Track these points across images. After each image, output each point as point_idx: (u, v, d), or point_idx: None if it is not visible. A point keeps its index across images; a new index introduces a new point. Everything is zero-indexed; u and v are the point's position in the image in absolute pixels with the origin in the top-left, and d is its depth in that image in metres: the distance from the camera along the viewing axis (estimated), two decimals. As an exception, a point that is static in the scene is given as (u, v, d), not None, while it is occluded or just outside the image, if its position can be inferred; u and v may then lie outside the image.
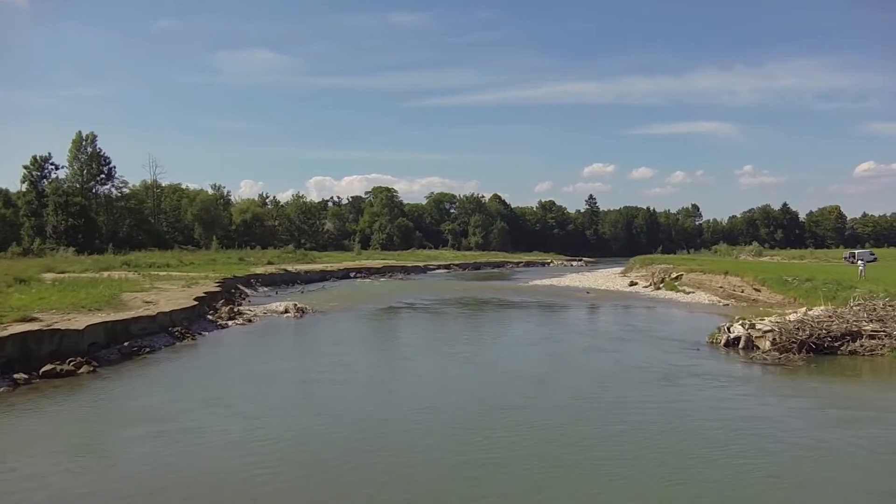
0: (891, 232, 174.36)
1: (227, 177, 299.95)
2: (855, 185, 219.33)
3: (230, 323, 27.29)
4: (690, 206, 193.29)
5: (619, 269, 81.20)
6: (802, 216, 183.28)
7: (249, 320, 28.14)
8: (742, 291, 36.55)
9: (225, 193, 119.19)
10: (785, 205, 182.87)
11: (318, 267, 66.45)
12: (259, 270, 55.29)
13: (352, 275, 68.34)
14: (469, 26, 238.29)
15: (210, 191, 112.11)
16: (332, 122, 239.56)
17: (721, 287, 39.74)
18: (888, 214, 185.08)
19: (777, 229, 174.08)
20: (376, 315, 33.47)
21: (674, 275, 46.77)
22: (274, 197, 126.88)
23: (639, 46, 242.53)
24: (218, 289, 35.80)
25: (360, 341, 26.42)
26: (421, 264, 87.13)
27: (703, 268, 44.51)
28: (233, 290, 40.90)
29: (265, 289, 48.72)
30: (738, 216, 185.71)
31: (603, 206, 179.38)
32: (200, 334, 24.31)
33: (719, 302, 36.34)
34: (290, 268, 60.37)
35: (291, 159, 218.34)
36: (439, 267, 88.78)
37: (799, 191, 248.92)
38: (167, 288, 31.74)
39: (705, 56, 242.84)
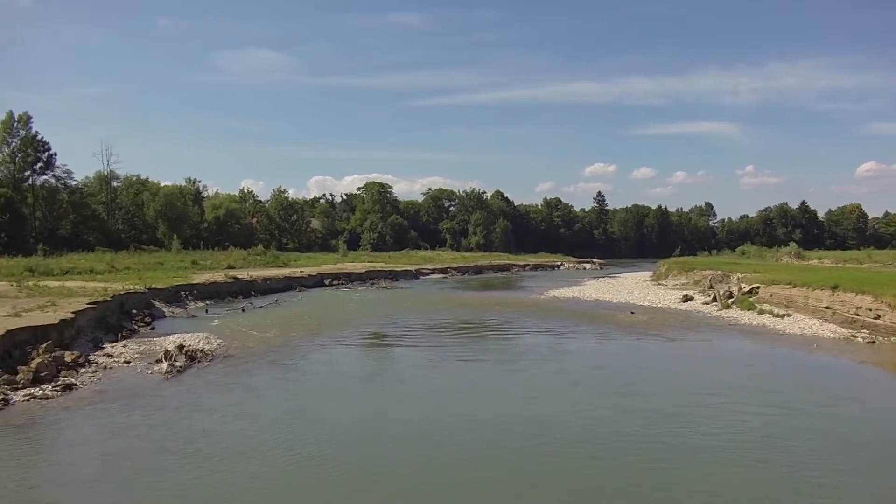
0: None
1: (228, 176, 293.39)
2: (856, 186, 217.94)
3: (31, 393, 15.16)
4: (704, 205, 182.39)
5: (647, 275, 69.47)
6: (821, 215, 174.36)
7: (70, 386, 15.83)
8: (877, 317, 24.56)
9: (200, 188, 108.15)
10: (804, 203, 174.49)
11: (282, 273, 54.38)
12: (200, 279, 43.34)
13: (326, 282, 56.49)
14: (469, 26, 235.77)
15: (184, 184, 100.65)
16: (332, 121, 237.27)
17: (827, 307, 27.79)
18: None
19: (795, 229, 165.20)
20: (316, 365, 20.79)
21: (745, 288, 34.78)
22: (251, 192, 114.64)
23: (640, 46, 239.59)
24: (92, 310, 23.88)
25: (240, 457, 11.86)
26: (413, 268, 74.97)
27: (790, 279, 32.50)
28: (133, 312, 29.03)
29: (199, 304, 36.83)
30: (754, 215, 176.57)
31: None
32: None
33: (850, 334, 24.46)
34: (243, 275, 48.25)
35: (292, 159, 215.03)
36: (434, 271, 76.72)
37: (800, 191, 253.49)
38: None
39: (707, 56, 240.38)
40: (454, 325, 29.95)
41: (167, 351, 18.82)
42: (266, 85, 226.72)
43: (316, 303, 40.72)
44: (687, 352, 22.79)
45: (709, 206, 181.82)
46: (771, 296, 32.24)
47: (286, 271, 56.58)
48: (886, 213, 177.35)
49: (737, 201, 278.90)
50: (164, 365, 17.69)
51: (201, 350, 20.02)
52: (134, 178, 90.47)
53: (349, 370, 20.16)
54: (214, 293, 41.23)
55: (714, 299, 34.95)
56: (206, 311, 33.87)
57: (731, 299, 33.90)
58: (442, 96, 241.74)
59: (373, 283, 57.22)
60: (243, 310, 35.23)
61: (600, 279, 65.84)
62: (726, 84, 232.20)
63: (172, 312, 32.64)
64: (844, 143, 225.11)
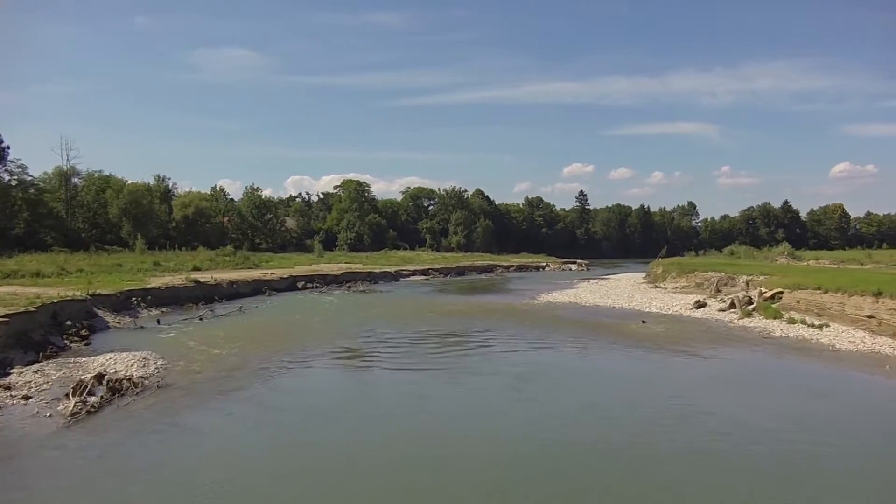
0: (894, 231, 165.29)
1: (204, 177, 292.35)
2: (830, 186, 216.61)
3: None
4: (686, 204, 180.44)
5: (639, 277, 65.98)
6: (803, 215, 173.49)
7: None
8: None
9: (169, 185, 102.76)
10: (786, 203, 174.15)
11: (251, 275, 50.04)
12: (158, 283, 39.00)
13: (299, 285, 52.26)
14: (446, 25, 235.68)
15: (152, 182, 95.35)
16: (309, 121, 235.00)
17: (871, 317, 24.20)
18: (892, 213, 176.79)
19: (778, 229, 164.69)
20: (275, 397, 16.34)
21: (766, 293, 31.14)
22: (222, 189, 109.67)
23: (617, 47, 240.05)
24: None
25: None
26: (392, 269, 70.73)
27: (818, 283, 28.88)
28: (67, 324, 24.69)
29: (152, 312, 32.60)
30: (737, 215, 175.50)
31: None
32: None
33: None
34: (206, 278, 43.89)
35: (269, 158, 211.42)
36: (415, 272, 72.52)
37: (776, 191, 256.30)
38: None
39: (684, 57, 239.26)
40: (443, 339, 25.98)
41: (80, 382, 14.59)
42: (242, 84, 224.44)
43: (285, 310, 36.50)
44: (730, 375, 18.91)
45: (691, 205, 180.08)
46: (798, 302, 28.64)
47: (256, 273, 52.27)
48: (868, 213, 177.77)
49: (713, 202, 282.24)
50: (72, 403, 13.49)
51: (129, 379, 15.82)
52: (96, 175, 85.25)
53: (316, 406, 15.79)
54: (172, 299, 36.96)
55: (731, 306, 31.30)
56: (159, 321, 29.61)
57: (751, 306, 30.26)
58: (419, 96, 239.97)
59: (349, 287, 53.04)
60: (201, 318, 31.04)
61: (591, 281, 62.13)
62: (703, 85, 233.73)
63: (118, 323, 28.36)
64: (819, 144, 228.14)
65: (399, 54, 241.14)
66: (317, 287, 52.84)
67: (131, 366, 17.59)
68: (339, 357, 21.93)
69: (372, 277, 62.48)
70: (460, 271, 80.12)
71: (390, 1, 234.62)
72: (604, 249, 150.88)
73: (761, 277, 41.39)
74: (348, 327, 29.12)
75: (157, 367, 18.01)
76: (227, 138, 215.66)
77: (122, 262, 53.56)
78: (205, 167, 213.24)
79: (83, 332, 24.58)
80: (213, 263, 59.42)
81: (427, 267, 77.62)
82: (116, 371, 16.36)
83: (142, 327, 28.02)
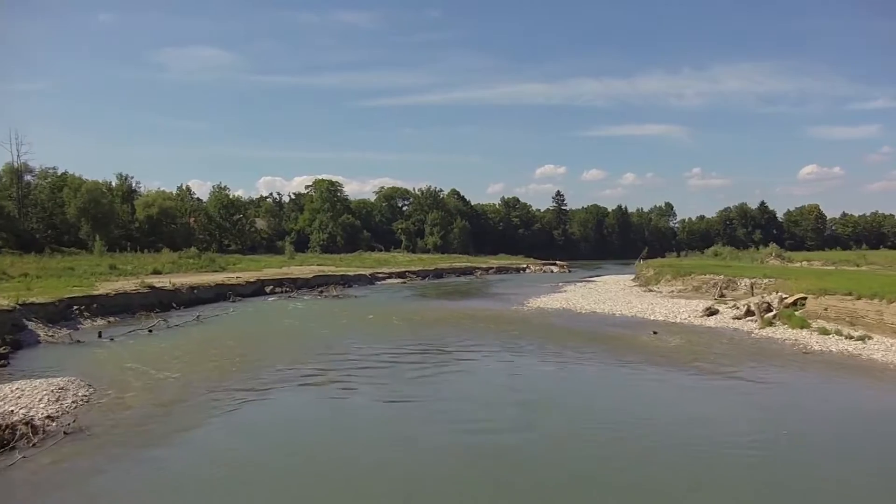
0: (871, 233, 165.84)
1: (174, 178, 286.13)
2: (799, 188, 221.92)
3: None
4: (664, 205, 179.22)
5: (627, 279, 63.02)
6: (780, 216, 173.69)
7: None
8: None
9: (133, 185, 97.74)
10: (763, 203, 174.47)
11: (214, 279, 46.03)
12: (108, 289, 34.97)
13: (267, 290, 48.37)
14: (417, 26, 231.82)
15: (115, 181, 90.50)
16: (281, 121, 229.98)
17: (920, 327, 21.18)
18: (868, 214, 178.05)
19: (755, 229, 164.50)
20: (217, 447, 12.51)
21: (787, 299, 27.97)
22: (189, 189, 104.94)
23: (586, 49, 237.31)
24: None
25: None
26: (367, 272, 66.88)
27: (848, 288, 25.80)
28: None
29: (97, 323, 28.73)
30: (714, 216, 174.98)
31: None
32: None
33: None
34: (164, 282, 39.87)
35: (240, 159, 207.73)
36: (391, 275, 68.77)
37: (745, 192, 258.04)
38: None
39: (652, 59, 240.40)
40: (430, 356, 22.47)
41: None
42: (211, 83, 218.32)
43: (248, 319, 32.69)
44: (785, 405, 15.50)
45: (668, 206, 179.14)
46: (826, 309, 25.52)
47: (220, 277, 48.23)
48: (844, 214, 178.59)
49: (685, 203, 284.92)
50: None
51: (27, 422, 12.01)
52: (51, 172, 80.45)
53: (274, 461, 11.91)
54: (122, 307, 32.98)
55: (748, 313, 28.11)
56: (100, 334, 25.63)
57: (771, 313, 27.12)
58: (391, 96, 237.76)
59: (321, 291, 49.14)
60: (150, 330, 27.10)
61: (577, 284, 58.96)
62: (672, 87, 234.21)
63: (51, 336, 24.38)
64: (786, 146, 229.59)
65: (371, 54, 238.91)
66: (286, 292, 49.00)
67: (41, 400, 13.80)
68: (307, 382, 18.13)
69: (346, 281, 58.68)
70: (438, 274, 76.55)
71: (362, 1, 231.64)
72: (581, 250, 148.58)
73: (765, 280, 38.56)
74: (319, 340, 25.45)
75: (75, 401, 14.26)
76: (196, 139, 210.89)
77: (76, 265, 49.29)
78: (174, 168, 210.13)
79: (2, 350, 20.67)
80: (176, 266, 55.34)
81: (404, 269, 73.94)
82: (15, 410, 12.57)
83: (79, 341, 24.07)
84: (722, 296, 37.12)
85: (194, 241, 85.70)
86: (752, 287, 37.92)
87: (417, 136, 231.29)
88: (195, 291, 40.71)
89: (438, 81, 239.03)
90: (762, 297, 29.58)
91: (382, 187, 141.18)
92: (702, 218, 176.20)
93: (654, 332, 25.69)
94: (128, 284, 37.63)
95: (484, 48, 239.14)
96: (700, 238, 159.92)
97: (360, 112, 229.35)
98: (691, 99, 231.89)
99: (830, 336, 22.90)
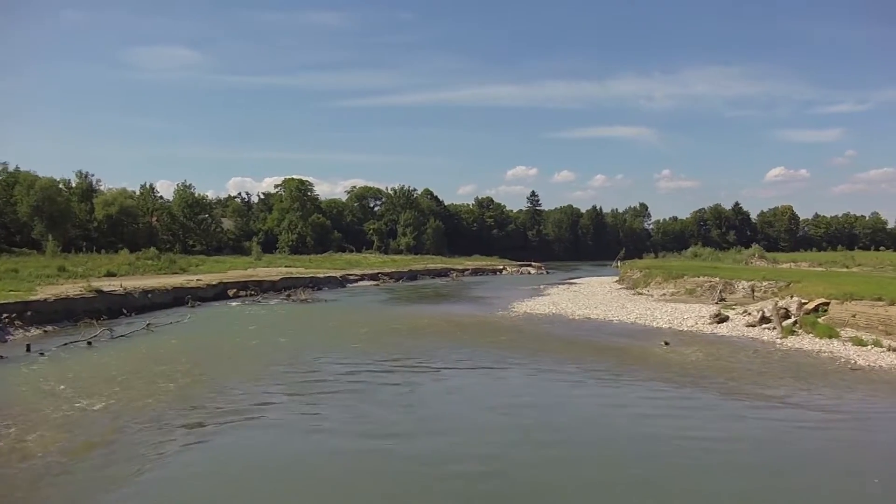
0: (842, 233, 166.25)
1: (143, 178, 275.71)
2: (766, 190, 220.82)
3: None
4: (638, 206, 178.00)
5: (609, 280, 60.54)
6: (754, 216, 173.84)
7: None
8: None
9: (93, 183, 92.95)
10: (737, 204, 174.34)
11: (172, 282, 42.36)
12: (48, 293, 31.36)
13: (230, 293, 44.90)
14: (388, 27, 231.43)
15: (75, 179, 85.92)
16: (251, 121, 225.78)
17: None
18: (840, 216, 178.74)
19: (729, 230, 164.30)
20: None
21: (807, 304, 25.29)
22: (152, 187, 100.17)
23: (557, 51, 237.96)
24: None
25: None
26: (338, 274, 63.43)
27: (878, 293, 23.22)
28: None
29: (31, 332, 25.28)
30: (689, 216, 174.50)
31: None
32: None
33: None
34: (114, 286, 36.25)
35: (209, 160, 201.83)
36: (363, 277, 65.45)
37: (713, 195, 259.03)
38: None
39: (624, 62, 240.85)
40: (414, 374, 19.38)
41: None
42: (180, 83, 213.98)
43: (205, 327, 29.22)
44: (872, 442, 12.77)
45: (643, 206, 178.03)
46: (854, 316, 22.93)
47: (178, 280, 44.54)
48: (816, 215, 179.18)
49: (655, 205, 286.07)
50: None
51: None
52: (1, 168, 75.88)
53: None
54: (63, 314, 29.47)
55: (763, 320, 25.42)
56: (29, 347, 22.12)
57: (790, 320, 24.44)
58: (362, 97, 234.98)
59: (289, 295, 45.69)
60: (90, 343, 23.63)
61: (559, 286, 56.21)
62: (642, 90, 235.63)
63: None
64: (754, 148, 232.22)
65: (342, 56, 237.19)
66: (251, 295, 45.54)
67: None
68: (265, 413, 14.90)
69: (315, 283, 55.28)
70: (412, 276, 73.36)
71: (333, 2, 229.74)
72: (556, 251, 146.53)
73: (764, 283, 36.22)
74: (283, 354, 22.23)
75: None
76: (165, 139, 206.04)
77: (22, 266, 45.25)
78: (142, 169, 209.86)
79: None
80: (133, 268, 51.58)
81: (376, 271, 70.60)
82: None
83: (1, 357, 20.61)
84: (723, 300, 34.57)
85: (158, 241, 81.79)
86: (752, 290, 35.49)
87: (389, 137, 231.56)
88: (149, 296, 37.19)
89: (410, 83, 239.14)
90: (776, 302, 26.87)
91: (354, 186, 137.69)
92: (675, 219, 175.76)
93: (666, 343, 22.86)
94: (73, 288, 33.97)
95: (455, 50, 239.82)
96: (674, 239, 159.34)
97: (332, 113, 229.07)
98: (661, 102, 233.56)
99: (869, 348, 20.26)
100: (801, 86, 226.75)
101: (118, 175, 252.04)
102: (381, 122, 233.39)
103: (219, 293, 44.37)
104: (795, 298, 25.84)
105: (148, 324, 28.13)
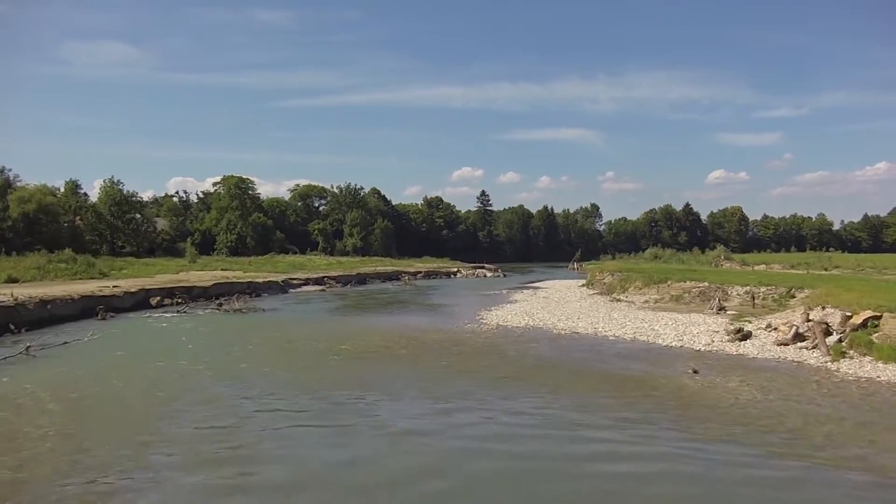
0: (790, 234, 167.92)
1: (77, 177, 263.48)
2: (707, 192, 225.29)
3: None
4: (589, 206, 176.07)
5: (575, 284, 56.30)
6: (704, 218, 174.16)
7: None
8: None
9: (10, 178, 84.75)
10: (687, 205, 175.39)
11: (82, 290, 36.12)
12: None
13: (153, 301, 38.90)
14: (334, 26, 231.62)
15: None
16: (192, 120, 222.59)
17: None
18: (788, 217, 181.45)
19: (680, 231, 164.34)
20: None
21: (854, 319, 20.84)
22: (76, 183, 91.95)
23: (503, 53, 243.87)
24: None
25: None
26: (279, 278, 57.56)
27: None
28: None
29: None
30: (640, 217, 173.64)
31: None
32: None
33: None
34: (2, 294, 30.03)
35: (149, 159, 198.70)
36: (308, 281, 59.67)
37: (656, 197, 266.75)
38: None
39: (568, 64, 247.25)
40: (378, 432, 14.20)
41: None
42: (118, 79, 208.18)
43: (107, 350, 23.32)
44: None
45: (594, 206, 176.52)
46: (909, 333, 18.59)
47: (90, 287, 38.17)
48: (765, 216, 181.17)
49: (601, 206, 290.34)
50: None
51: None
52: None
53: None
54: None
55: (796, 336, 20.94)
56: None
57: (834, 337, 20.04)
58: (307, 97, 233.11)
59: (221, 304, 39.83)
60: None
61: (523, 291, 51.64)
62: (587, 92, 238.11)
63: None
64: (695, 151, 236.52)
65: (286, 54, 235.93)
66: (178, 304, 39.65)
67: None
68: (164, 490, 9.72)
69: (253, 289, 49.46)
70: (361, 279, 67.88)
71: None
72: (507, 253, 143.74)
73: (762, 289, 32.24)
74: (203, 391, 16.77)
75: None
76: (101, 137, 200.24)
77: None
78: (76, 169, 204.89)
79: None
80: (42, 273, 45.09)
81: (322, 274, 64.88)
82: None
83: None
84: (722, 308, 30.25)
85: (83, 242, 74.65)
86: (752, 298, 31.30)
87: (334, 137, 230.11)
88: (48, 307, 31.11)
89: (356, 82, 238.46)
90: (807, 314, 22.44)
91: (298, 185, 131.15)
92: (626, 220, 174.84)
93: (695, 371, 18.05)
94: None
95: (402, 50, 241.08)
96: (626, 240, 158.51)
97: (277, 112, 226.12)
98: (606, 104, 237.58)
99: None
100: (741, 90, 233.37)
101: (49, 174, 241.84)
102: (327, 123, 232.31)
103: (139, 302, 38.41)
104: (836, 311, 21.40)
105: (28, 346, 21.95)
